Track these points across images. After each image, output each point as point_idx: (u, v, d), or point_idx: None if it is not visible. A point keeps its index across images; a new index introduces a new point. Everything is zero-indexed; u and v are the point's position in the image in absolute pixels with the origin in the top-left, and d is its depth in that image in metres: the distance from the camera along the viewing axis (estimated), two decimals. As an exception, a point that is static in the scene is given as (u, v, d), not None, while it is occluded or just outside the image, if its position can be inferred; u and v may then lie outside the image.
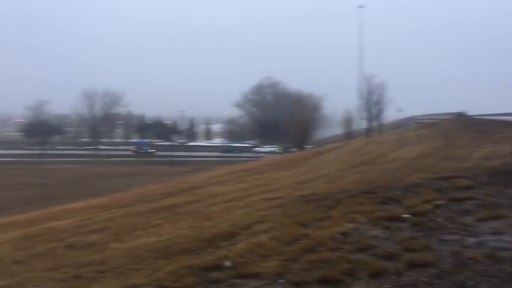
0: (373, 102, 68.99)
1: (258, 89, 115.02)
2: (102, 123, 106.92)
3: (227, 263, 5.83)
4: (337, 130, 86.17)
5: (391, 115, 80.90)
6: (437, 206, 8.37)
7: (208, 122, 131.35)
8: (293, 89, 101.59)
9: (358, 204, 9.11)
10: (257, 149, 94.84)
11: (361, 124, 73.52)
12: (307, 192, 12.04)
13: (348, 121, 74.62)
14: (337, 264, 5.39)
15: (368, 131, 66.71)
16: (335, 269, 5.23)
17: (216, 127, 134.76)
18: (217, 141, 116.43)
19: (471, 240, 6.05)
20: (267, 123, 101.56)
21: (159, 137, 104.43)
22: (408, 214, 7.92)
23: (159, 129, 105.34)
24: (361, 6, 72.64)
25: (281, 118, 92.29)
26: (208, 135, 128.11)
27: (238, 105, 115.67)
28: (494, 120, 44.19)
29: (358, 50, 72.23)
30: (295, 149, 73.56)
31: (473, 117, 58.88)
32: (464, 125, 39.71)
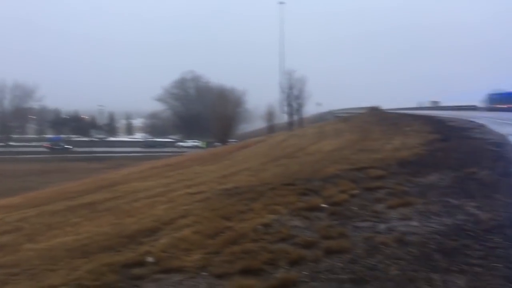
0: (293, 96, 70.76)
1: (181, 83, 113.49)
2: (13, 118, 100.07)
3: (150, 259, 5.77)
4: (259, 124, 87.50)
5: (311, 109, 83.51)
6: (353, 196, 8.83)
7: (128, 116, 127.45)
8: (216, 83, 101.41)
9: (280, 196, 9.38)
10: (180, 144, 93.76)
11: (283, 118, 75.21)
12: (230, 185, 12.17)
13: (270, 116, 76.03)
14: (258, 255, 5.53)
15: (290, 125, 68.36)
16: (256, 259, 5.37)
17: (137, 122, 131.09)
18: (138, 136, 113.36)
19: (382, 226, 6.46)
20: (190, 118, 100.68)
21: (77, 132, 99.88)
22: (326, 204, 8.29)
23: (76, 124, 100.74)
24: (282, 2, 74.14)
25: (204, 113, 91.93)
26: (129, 130, 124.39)
27: (160, 99, 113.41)
28: (404, 114, 47.16)
29: (279, 45, 73.63)
30: (218, 144, 73.65)
31: (386, 111, 62.37)
32: (378, 119, 41.89)
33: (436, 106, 73.65)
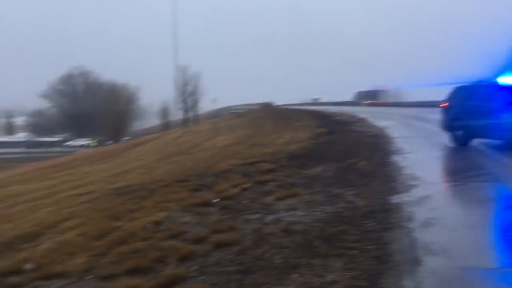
0: (188, 92, 70.18)
1: (68, 79, 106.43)
2: None
3: (28, 266, 5.39)
4: (154, 121, 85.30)
5: (206, 105, 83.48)
6: (244, 189, 9.03)
7: (9, 115, 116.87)
8: (107, 79, 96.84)
9: (172, 193, 9.28)
10: (69, 143, 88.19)
11: (178, 114, 74.26)
12: (120, 184, 11.77)
13: (164, 112, 74.66)
14: (147, 253, 5.44)
15: (185, 122, 67.72)
16: (145, 258, 5.27)
17: (19, 121, 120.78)
18: (20, 136, 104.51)
19: (270, 218, 6.70)
20: (79, 115, 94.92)
21: None
22: (218, 199, 8.39)
23: None
24: (174, -3, 72.94)
25: (94, 110, 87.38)
26: (10, 129, 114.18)
27: (45, 96, 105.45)
28: (295, 109, 49.24)
29: (173, 40, 72.45)
30: (110, 142, 70.69)
31: (278, 106, 64.58)
32: (271, 114, 43.27)
33: (319, 102, 77.93)
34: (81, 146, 79.71)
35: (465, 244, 4.90)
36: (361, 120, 25.36)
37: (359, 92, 67.78)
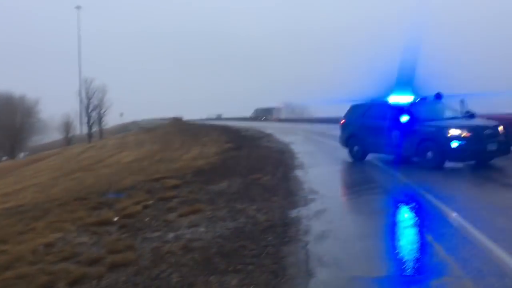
0: (93, 106, 67.42)
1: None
2: None
3: None
4: (56, 135, 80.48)
5: (113, 119, 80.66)
6: (146, 207, 8.81)
7: None
8: (2, 91, 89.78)
9: (69, 212, 8.80)
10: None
11: (82, 129, 70.90)
12: (11, 204, 10.94)
13: (67, 126, 70.90)
14: (35, 278, 5.07)
15: (89, 137, 64.80)
16: (32, 283, 4.91)
17: None
18: None
19: (171, 235, 6.58)
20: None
21: None
22: (118, 217, 8.09)
23: None
24: (78, 7, 70.23)
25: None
26: None
27: None
28: (204, 125, 49.26)
29: (77, 52, 69.48)
30: (5, 158, 65.46)
31: (188, 121, 64.19)
32: (180, 129, 42.81)
33: (222, 118, 79.35)
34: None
35: (355, 254, 5.16)
36: (268, 135, 25.98)
37: (257, 109, 73.29)
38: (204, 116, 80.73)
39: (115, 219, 8.02)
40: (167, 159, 18.86)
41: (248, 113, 74.92)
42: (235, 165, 13.77)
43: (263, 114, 67.58)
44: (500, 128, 11.12)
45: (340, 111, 14.59)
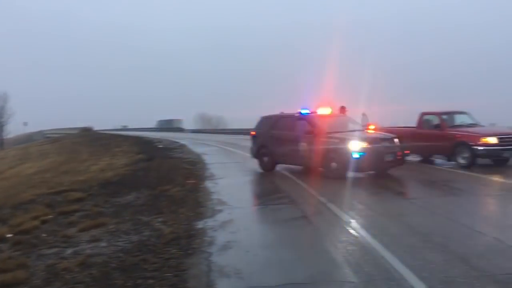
0: (-7, 114, 62.54)
1: None
2: None
3: None
4: None
5: (16, 129, 75.49)
6: (45, 222, 8.31)
7: None
8: None
9: (-45, 230, 8.05)
10: None
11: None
12: None
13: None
14: None
15: (-12, 147, 59.99)
16: None
17: None
18: None
19: (69, 251, 6.26)
20: None
21: None
22: (12, 234, 7.56)
23: None
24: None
25: None
26: None
27: None
28: (117, 135, 47.60)
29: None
30: None
31: (99, 131, 61.73)
32: (90, 140, 41.01)
33: (128, 128, 78.09)
34: None
35: (257, 264, 5.25)
36: (181, 146, 25.73)
37: (159, 121, 76.34)
38: (111, 126, 78.75)
39: (9, 235, 7.49)
40: (73, 170, 17.98)
41: (150, 124, 76.96)
42: (144, 176, 13.45)
43: (166, 125, 70.51)
44: (396, 140, 11.98)
45: (254, 123, 14.86)
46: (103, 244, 6.53)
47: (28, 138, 77.84)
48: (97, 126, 70.79)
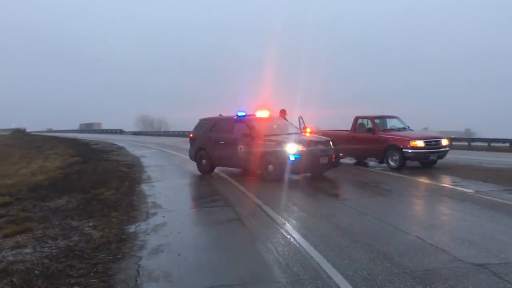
0: None
1: None
2: None
3: None
4: None
5: None
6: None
7: None
8: None
9: None
10: None
11: None
12: None
13: None
14: None
15: None
16: None
17: None
18: None
19: (-11, 258, 5.94)
20: None
21: None
22: None
23: None
24: None
25: None
26: None
27: None
28: (52, 137, 45.69)
29: None
30: None
31: (33, 133, 58.94)
32: (22, 142, 39.10)
33: (86, 130, 76.43)
34: None
35: (187, 267, 5.22)
36: (119, 148, 25.10)
37: (81, 124, 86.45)
38: (41, 128, 78.40)
39: None
40: (1, 174, 17.05)
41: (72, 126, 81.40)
42: (78, 179, 12.99)
43: (86, 128, 79.19)
44: (331, 143, 12.33)
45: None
46: (28, 250, 6.25)
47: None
48: (30, 128, 67.74)
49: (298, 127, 13.64)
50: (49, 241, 6.66)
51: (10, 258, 5.89)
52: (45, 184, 12.66)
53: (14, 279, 5.01)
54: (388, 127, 15.06)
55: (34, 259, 5.81)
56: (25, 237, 6.96)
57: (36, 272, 5.23)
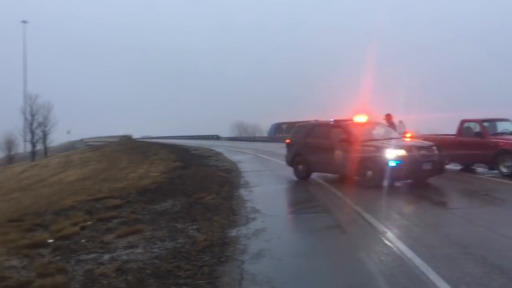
0: (37, 123, 64.99)
1: None
2: None
3: None
4: (-3, 154, 76.84)
5: (59, 137, 78.12)
6: (84, 227, 8.54)
7: None
8: None
9: (0, 234, 8.40)
10: None
11: (26, 147, 68.05)
12: None
13: (9, 144, 67.82)
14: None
15: (33, 154, 62.29)
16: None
17: None
18: None
19: (106, 257, 6.42)
20: None
21: None
22: (53, 239, 7.81)
23: None
24: (24, 22, 68.23)
25: None
26: None
27: None
28: (155, 143, 48.57)
29: (23, 68, 67.29)
30: None
31: (137, 139, 63.10)
32: (129, 148, 41.98)
33: (184, 136, 78.95)
34: None
35: (288, 273, 5.24)
36: (217, 154, 25.97)
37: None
38: (145, 135, 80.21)
39: (50, 241, 7.74)
40: (112, 178, 18.43)
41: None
42: (181, 184, 13.64)
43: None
44: (435, 148, 11.69)
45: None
46: (139, 250, 6.66)
47: (70, 146, 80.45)
48: (136, 134, 72.46)
49: (398, 132, 13.13)
50: (158, 242, 7.04)
51: (124, 257, 6.31)
52: (151, 188, 13.44)
53: (128, 277, 5.37)
54: (499, 131, 13.94)
55: (145, 258, 6.17)
56: (136, 238, 7.42)
57: (148, 271, 5.55)
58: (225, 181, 13.81)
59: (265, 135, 62.85)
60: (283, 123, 59.40)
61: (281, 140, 49.19)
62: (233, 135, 68.62)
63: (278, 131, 60.85)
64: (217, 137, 64.35)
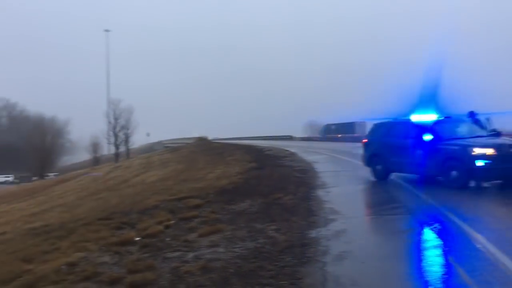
0: (120, 126, 68.68)
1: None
2: None
3: None
4: (84, 156, 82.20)
5: (139, 139, 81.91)
6: (168, 226, 8.89)
7: None
8: (34, 112, 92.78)
9: (92, 232, 8.94)
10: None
11: (110, 149, 72.19)
12: (38, 224, 11.21)
13: (95, 147, 72.27)
14: (56, 297, 5.19)
15: (116, 156, 65.91)
16: (53, 302, 5.02)
17: None
18: None
19: (190, 255, 6.63)
20: (1, 150, 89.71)
21: None
22: (140, 237, 8.19)
23: None
24: (107, 30, 72.39)
25: (18, 144, 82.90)
26: None
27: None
28: (229, 144, 49.50)
29: (105, 74, 71.43)
30: (35, 178, 67.14)
31: (213, 141, 64.60)
32: (205, 149, 43.09)
33: (257, 136, 79.52)
34: (1, 182, 74.54)
35: (373, 275, 5.11)
36: (291, 154, 25.95)
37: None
38: (230, 135, 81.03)
39: (137, 239, 8.12)
40: (191, 178, 19.00)
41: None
42: (257, 184, 13.78)
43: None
44: (527, 146, 10.87)
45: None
46: (221, 249, 6.81)
47: (150, 148, 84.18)
48: (214, 135, 74.12)
49: (486, 130, 12.36)
50: (239, 242, 7.16)
51: (208, 256, 6.48)
52: (229, 188, 13.70)
53: (213, 276, 5.50)
54: None
55: (227, 258, 6.30)
56: (218, 237, 7.59)
57: (231, 270, 5.66)
58: (301, 181, 13.76)
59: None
60: (332, 124, 60.04)
61: (330, 140, 48.13)
62: (305, 135, 68.29)
63: (327, 132, 60.83)
64: (290, 137, 64.30)
